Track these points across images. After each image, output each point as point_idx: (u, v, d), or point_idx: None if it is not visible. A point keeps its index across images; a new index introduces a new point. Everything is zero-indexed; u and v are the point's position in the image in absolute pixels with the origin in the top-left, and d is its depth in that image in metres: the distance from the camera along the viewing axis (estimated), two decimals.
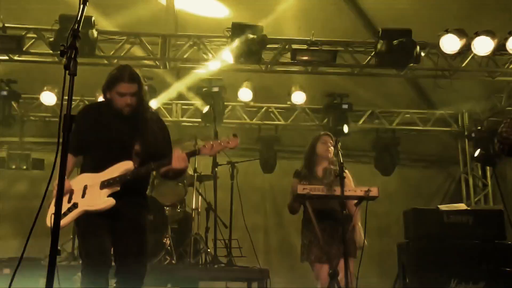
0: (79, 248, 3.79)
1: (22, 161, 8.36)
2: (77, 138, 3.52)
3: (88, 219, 3.51)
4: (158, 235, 5.86)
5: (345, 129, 7.95)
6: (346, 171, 4.72)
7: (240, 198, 6.44)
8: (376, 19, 7.36)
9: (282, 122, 8.58)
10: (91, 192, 3.53)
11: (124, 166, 3.56)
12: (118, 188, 3.52)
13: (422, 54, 6.66)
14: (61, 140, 2.63)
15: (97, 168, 3.58)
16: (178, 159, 3.51)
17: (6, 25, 6.48)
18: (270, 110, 8.61)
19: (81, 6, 2.87)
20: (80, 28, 2.76)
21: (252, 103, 8.28)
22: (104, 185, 3.52)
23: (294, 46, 6.77)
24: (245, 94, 7.94)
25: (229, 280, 6.33)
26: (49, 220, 3.52)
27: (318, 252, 4.74)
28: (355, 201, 4.77)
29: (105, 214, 3.50)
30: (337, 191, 4.61)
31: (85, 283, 3.44)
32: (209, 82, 7.75)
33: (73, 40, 2.63)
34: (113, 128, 3.66)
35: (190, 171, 6.68)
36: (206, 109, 7.69)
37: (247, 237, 6.46)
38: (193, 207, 6.50)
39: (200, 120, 8.15)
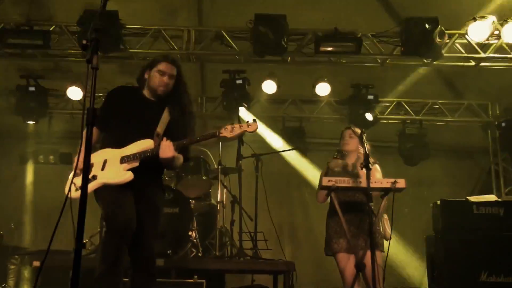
0: (103, 214, 3.81)
1: (50, 155, 8.51)
2: (105, 113, 3.72)
3: (110, 188, 3.57)
4: (184, 228, 5.87)
5: (369, 117, 7.85)
6: (376, 164, 4.65)
7: (265, 191, 6.42)
8: (401, 7, 7.24)
9: (306, 114, 8.50)
10: (110, 165, 3.63)
11: (144, 144, 3.65)
12: (137, 164, 3.61)
13: (450, 42, 6.51)
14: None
15: (118, 144, 3.68)
16: (163, 148, 3.56)
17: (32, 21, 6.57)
18: (294, 102, 8.54)
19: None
20: (103, 22, 2.76)
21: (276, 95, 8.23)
22: (123, 160, 3.62)
23: (318, 37, 6.68)
24: (269, 86, 7.90)
25: (255, 272, 6.33)
26: (68, 189, 3.61)
27: (343, 244, 4.69)
28: (381, 193, 4.70)
29: (127, 186, 3.57)
30: (363, 183, 4.56)
31: (108, 245, 3.48)
32: (233, 75, 7.74)
33: (95, 34, 2.64)
34: (140, 108, 3.79)
35: (214, 164, 6.69)
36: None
37: (272, 230, 6.45)
38: (218, 200, 6.50)
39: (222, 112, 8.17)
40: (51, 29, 6.71)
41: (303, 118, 8.61)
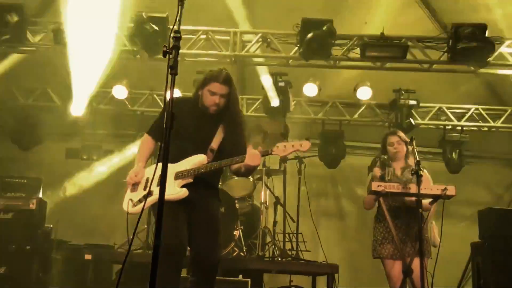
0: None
1: (94, 152, 8.71)
2: (161, 125, 3.72)
3: (166, 205, 3.63)
4: (228, 227, 5.98)
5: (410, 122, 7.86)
6: (425, 170, 4.68)
7: (308, 193, 6.50)
8: (446, 13, 7.22)
9: (347, 117, 8.53)
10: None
11: (197, 159, 3.73)
12: (191, 180, 3.70)
13: (498, 50, 6.47)
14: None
15: (173, 159, 3.64)
16: (251, 156, 3.61)
17: None
18: (335, 105, 8.58)
19: (179, 7, 2.97)
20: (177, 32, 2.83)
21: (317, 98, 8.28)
22: (178, 176, 3.70)
23: (364, 42, 6.70)
24: (310, 89, 7.96)
25: (297, 273, 6.41)
26: (126, 206, 3.75)
27: (391, 249, 4.74)
28: (429, 199, 4.72)
29: (181, 203, 3.65)
30: (412, 189, 4.59)
31: (162, 268, 3.53)
32: (275, 77, 7.83)
33: (175, 41, 2.75)
34: (195, 123, 3.84)
35: (259, 166, 6.79)
36: (275, 103, 7.75)
37: (313, 231, 6.53)
38: (262, 201, 6.60)
39: (264, 114, 8.26)
40: None
41: (342, 121, 8.63)
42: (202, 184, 3.74)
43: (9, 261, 5.90)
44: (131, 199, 3.74)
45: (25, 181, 6.47)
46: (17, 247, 5.93)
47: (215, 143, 3.82)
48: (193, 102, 3.93)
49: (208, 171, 3.69)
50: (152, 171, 3.71)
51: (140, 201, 3.71)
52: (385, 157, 5.05)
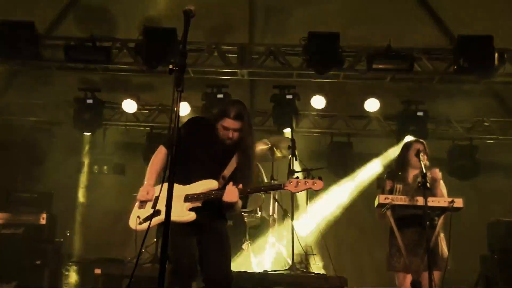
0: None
1: (104, 165, 8.78)
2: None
3: (174, 226, 3.65)
4: (237, 240, 6.00)
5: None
6: (441, 180, 4.67)
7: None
8: (453, 24, 7.24)
9: (354, 130, 8.54)
10: (174, 202, 3.63)
11: (208, 185, 3.74)
12: (200, 204, 3.71)
13: (505, 61, 6.48)
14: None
15: (184, 180, 3.72)
16: (229, 192, 3.64)
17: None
18: (342, 117, 8.60)
19: (186, 24, 3.01)
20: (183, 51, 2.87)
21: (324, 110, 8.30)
22: (188, 198, 3.71)
23: (371, 54, 6.74)
24: (318, 101, 7.99)
25: (307, 287, 6.38)
26: (134, 223, 3.77)
27: (402, 262, 4.71)
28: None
29: (189, 224, 3.67)
30: (419, 201, 4.58)
31: (170, 282, 3.52)
32: (283, 90, 7.87)
33: (181, 59, 2.79)
34: (212, 147, 3.86)
35: (265, 178, 6.80)
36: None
37: (322, 245, 6.52)
38: (270, 214, 6.61)
39: (271, 126, 8.30)
40: (111, 45, 7.00)
41: (351, 133, 8.64)
42: (209, 206, 3.75)
43: (20, 276, 5.95)
44: (138, 216, 3.77)
45: (36, 196, 6.54)
46: (27, 261, 5.98)
47: (227, 171, 3.83)
48: (212, 126, 3.90)
49: (216, 198, 3.70)
50: (163, 191, 3.58)
51: (146, 219, 3.72)
52: (393, 169, 5.04)
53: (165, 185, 3.78)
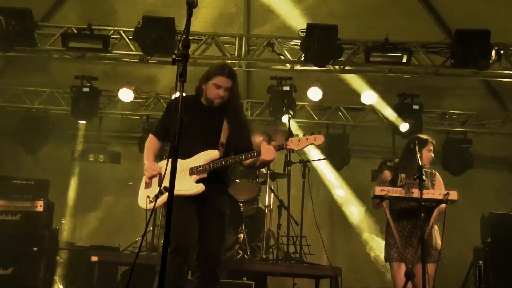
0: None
1: (100, 154, 8.79)
2: (166, 123, 3.84)
3: (178, 201, 3.53)
4: (233, 230, 6.04)
5: (404, 126, 7.91)
6: (437, 174, 4.70)
7: (312, 196, 6.55)
8: (451, 19, 7.26)
9: (351, 122, 8.58)
10: (180, 177, 3.65)
11: (210, 155, 3.77)
12: (206, 175, 3.74)
13: (501, 56, 6.52)
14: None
15: (184, 154, 3.72)
16: (266, 151, 3.67)
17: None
18: (339, 109, 8.64)
19: (188, 15, 3.03)
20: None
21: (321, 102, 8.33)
22: (193, 171, 3.74)
23: (369, 47, 6.76)
24: (315, 93, 8.02)
25: (301, 276, 6.45)
26: (144, 203, 3.80)
27: (399, 252, 4.78)
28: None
29: (192, 198, 3.72)
30: (415, 193, 4.64)
31: (170, 265, 3.43)
32: (280, 81, 7.89)
33: (184, 49, 2.81)
34: (201, 119, 3.88)
35: (263, 169, 6.84)
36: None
37: (316, 235, 6.56)
38: (266, 204, 6.66)
39: (269, 118, 8.32)
40: (110, 34, 6.98)
41: (347, 125, 8.68)
42: (213, 179, 3.78)
43: (16, 262, 5.96)
44: (148, 196, 3.79)
45: (33, 183, 6.53)
46: (24, 248, 6.00)
47: (223, 138, 3.85)
48: (194, 99, 3.96)
49: (222, 166, 3.74)
50: (165, 166, 3.78)
51: (156, 197, 3.74)
52: (395, 161, 5.08)
53: (170, 161, 3.86)
